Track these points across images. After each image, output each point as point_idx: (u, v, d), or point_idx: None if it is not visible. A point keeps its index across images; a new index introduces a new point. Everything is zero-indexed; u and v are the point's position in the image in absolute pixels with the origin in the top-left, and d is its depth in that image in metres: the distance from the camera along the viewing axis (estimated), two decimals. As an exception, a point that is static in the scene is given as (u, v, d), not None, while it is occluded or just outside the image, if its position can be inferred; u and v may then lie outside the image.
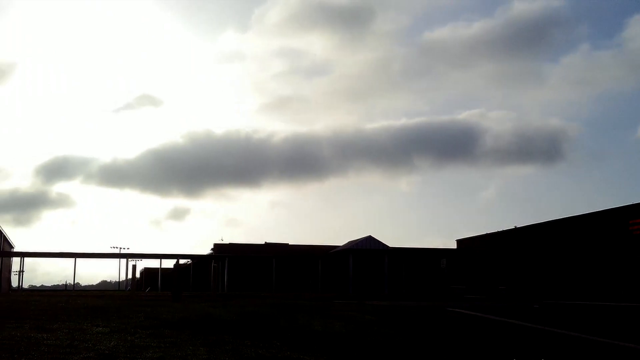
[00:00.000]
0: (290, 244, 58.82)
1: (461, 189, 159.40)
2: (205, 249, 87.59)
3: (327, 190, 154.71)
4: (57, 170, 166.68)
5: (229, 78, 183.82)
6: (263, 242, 59.64)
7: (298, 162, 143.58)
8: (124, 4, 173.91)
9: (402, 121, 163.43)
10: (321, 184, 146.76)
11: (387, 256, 57.48)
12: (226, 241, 60.16)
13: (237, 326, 14.43)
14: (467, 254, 61.32)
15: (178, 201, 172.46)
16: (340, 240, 70.80)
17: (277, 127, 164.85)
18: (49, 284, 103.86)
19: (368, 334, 14.26)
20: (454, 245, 68.28)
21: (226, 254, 56.55)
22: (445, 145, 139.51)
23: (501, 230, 61.07)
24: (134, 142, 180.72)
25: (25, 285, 63.25)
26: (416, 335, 14.78)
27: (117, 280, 66.39)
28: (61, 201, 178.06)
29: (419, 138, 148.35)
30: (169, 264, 65.16)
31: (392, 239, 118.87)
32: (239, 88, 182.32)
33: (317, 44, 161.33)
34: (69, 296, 36.13)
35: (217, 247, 60.48)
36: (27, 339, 10.84)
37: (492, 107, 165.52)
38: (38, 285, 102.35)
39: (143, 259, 63.65)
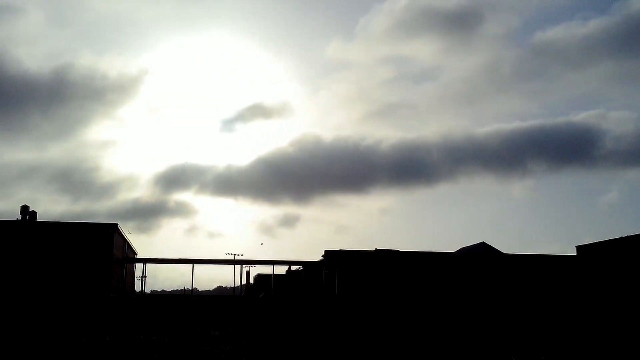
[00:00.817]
0: (400, 250, 58.11)
1: (579, 194, 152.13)
2: (316, 256, 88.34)
3: (436, 196, 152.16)
4: (174, 179, 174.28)
5: (335, 87, 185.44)
6: (373, 249, 59.31)
7: (406, 168, 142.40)
8: (233, 16, 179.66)
9: (514, 124, 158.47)
10: (430, 189, 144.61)
11: (502, 263, 55.54)
12: (336, 248, 60.30)
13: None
14: (592, 262, 58.07)
15: (288, 208, 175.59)
16: (451, 247, 69.27)
17: (385, 134, 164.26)
18: (169, 289, 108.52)
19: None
20: (572, 252, 64.88)
21: (337, 260, 56.72)
22: (561, 148, 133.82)
23: (630, 235, 57.20)
24: (246, 151, 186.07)
25: (147, 290, 66.36)
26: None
27: (232, 285, 68.30)
28: (179, 210, 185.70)
29: (532, 141, 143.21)
30: (281, 270, 66.28)
31: (506, 246, 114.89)
32: (346, 96, 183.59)
33: (424, 50, 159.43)
34: (188, 301, 37.38)
35: (328, 254, 60.77)
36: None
37: (613, 108, 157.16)
38: (159, 290, 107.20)
39: (256, 265, 65.05)
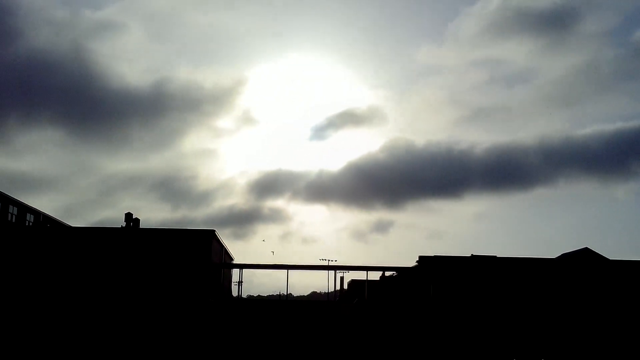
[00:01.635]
0: (498, 256, 56.56)
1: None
2: (409, 262, 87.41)
3: (533, 200, 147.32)
4: (268, 186, 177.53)
5: (426, 91, 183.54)
6: (469, 255, 58.06)
7: (502, 172, 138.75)
8: (323, 26, 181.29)
9: (616, 125, 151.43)
10: (527, 194, 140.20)
11: (606, 269, 52.98)
12: (430, 253, 59.51)
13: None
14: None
15: (381, 214, 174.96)
16: (550, 253, 66.78)
17: (478, 138, 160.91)
18: (264, 294, 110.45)
19: None
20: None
21: (432, 266, 55.88)
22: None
23: None
24: (337, 158, 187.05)
25: (244, 295, 67.75)
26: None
27: (327, 291, 68.66)
28: (273, 216, 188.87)
29: (637, 143, 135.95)
30: (374, 276, 65.98)
31: (611, 252, 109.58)
32: (438, 101, 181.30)
33: (517, 52, 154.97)
34: (283, 305, 37.84)
35: (422, 260, 59.99)
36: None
37: None
38: (255, 295, 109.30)
39: (350, 271, 65.06)
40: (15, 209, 61.80)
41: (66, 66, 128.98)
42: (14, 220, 60.94)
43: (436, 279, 54.45)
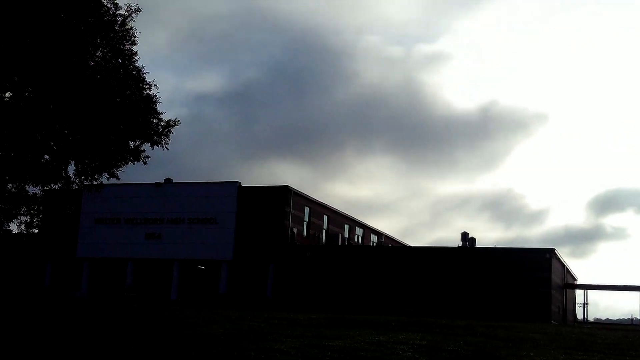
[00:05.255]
0: None
1: None
2: None
3: None
4: (608, 203, 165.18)
5: None
6: None
7: None
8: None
9: None
10: None
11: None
12: None
13: None
14: None
15: None
16: None
17: None
18: (613, 317, 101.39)
19: None
20: None
21: None
22: None
23: None
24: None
25: (590, 318, 63.14)
26: None
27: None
28: (614, 234, 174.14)
29: None
30: None
31: None
32: None
33: None
34: (635, 331, 34.26)
35: None
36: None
37: None
38: (602, 318, 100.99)
39: None
40: (361, 230, 67.30)
41: (397, 98, 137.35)
42: (360, 241, 66.41)
43: None
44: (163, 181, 56.39)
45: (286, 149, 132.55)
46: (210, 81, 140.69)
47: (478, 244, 57.17)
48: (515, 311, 46.16)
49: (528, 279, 48.34)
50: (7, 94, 27.04)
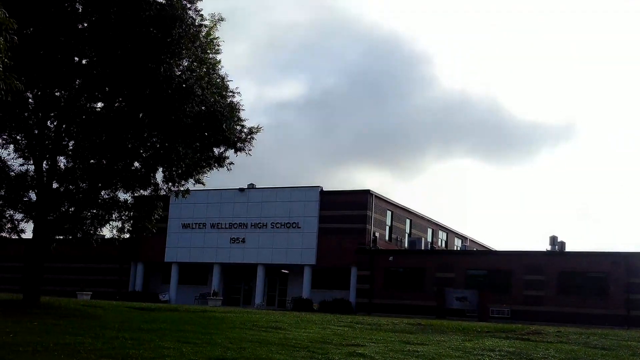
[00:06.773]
0: None
1: None
2: None
3: None
4: None
5: None
6: None
7: None
8: None
9: None
10: None
11: None
12: None
13: None
14: None
15: None
16: None
17: None
18: None
19: None
20: None
21: None
22: None
23: None
24: None
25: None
26: None
27: None
28: None
29: None
30: None
31: None
32: None
33: None
34: None
35: None
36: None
37: None
38: None
39: None
40: (444, 234, 66.27)
41: (480, 103, 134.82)
42: (443, 245, 65.37)
43: None
44: (247, 186, 57.40)
45: (366, 154, 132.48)
46: (290, 89, 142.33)
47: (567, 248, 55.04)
48: (607, 317, 44.27)
49: (623, 284, 46.25)
50: (99, 104, 28.33)
